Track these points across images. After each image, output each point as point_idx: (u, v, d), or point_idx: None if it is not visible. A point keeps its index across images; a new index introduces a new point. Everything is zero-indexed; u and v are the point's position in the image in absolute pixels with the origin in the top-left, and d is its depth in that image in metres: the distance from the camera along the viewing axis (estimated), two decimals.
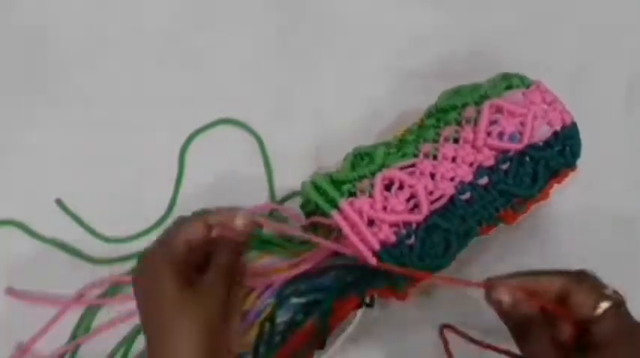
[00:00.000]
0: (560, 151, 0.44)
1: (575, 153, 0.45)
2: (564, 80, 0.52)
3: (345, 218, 0.41)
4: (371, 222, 0.41)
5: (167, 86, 0.52)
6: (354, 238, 0.40)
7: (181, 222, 0.39)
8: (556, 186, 0.46)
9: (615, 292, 0.36)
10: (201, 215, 0.39)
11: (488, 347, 0.43)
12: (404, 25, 0.54)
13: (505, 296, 0.36)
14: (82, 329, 0.46)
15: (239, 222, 0.39)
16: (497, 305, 0.36)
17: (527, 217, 0.49)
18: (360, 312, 0.43)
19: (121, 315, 0.46)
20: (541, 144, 0.44)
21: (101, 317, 0.46)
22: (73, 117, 0.51)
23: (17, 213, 0.48)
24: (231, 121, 0.51)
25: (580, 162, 0.50)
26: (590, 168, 0.50)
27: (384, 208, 0.41)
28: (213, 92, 0.52)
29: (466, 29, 0.54)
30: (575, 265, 0.48)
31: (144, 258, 0.38)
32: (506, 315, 0.36)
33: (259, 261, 0.45)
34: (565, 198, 0.50)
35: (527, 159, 0.43)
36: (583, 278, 0.37)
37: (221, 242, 0.39)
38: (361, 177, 0.42)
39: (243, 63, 0.53)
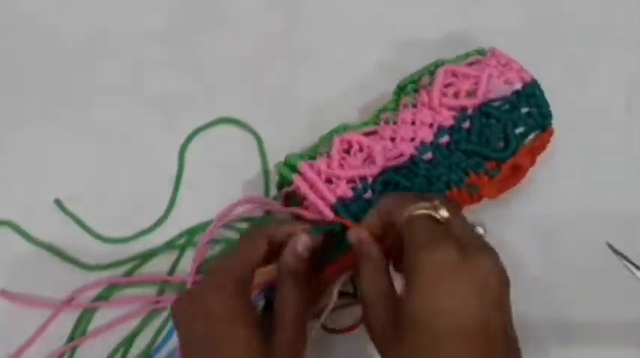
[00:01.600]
0: (528, 113, 0.45)
1: (544, 114, 0.45)
2: (564, 80, 0.52)
3: (305, 179, 0.42)
4: (329, 181, 0.42)
5: (166, 85, 0.52)
6: (311, 195, 0.41)
7: (246, 246, 0.38)
8: (539, 156, 0.46)
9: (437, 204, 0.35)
10: (263, 233, 0.38)
11: None
12: (403, 24, 0.54)
13: (351, 237, 0.38)
14: (80, 331, 0.45)
15: (301, 248, 0.38)
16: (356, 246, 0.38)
17: (527, 217, 0.49)
18: (332, 301, 0.41)
19: (120, 318, 0.45)
20: (505, 104, 0.44)
21: (99, 319, 0.46)
22: (73, 117, 0.51)
23: (15, 213, 0.48)
24: (231, 121, 0.51)
25: (580, 163, 0.50)
26: (590, 169, 0.51)
27: (341, 166, 0.42)
28: (212, 91, 0.52)
29: (466, 28, 0.54)
30: (575, 265, 0.48)
31: (201, 297, 0.36)
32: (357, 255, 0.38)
33: None
34: (565, 198, 0.50)
35: (493, 120, 0.44)
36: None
37: (280, 274, 0.38)
38: (323, 144, 0.44)
39: (243, 62, 0.53)
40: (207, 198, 0.49)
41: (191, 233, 0.48)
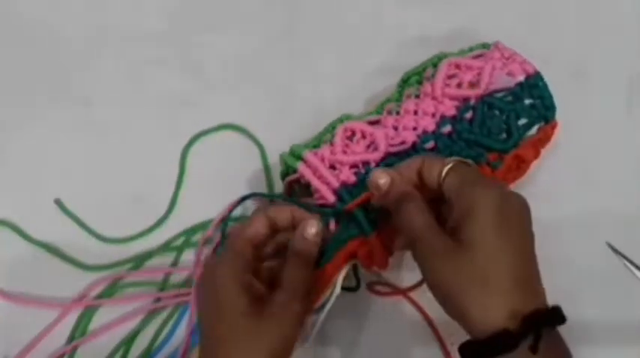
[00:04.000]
0: (532, 104, 0.45)
1: (548, 106, 0.45)
2: (564, 80, 0.52)
3: (308, 165, 0.43)
4: (333, 167, 0.43)
5: (167, 87, 0.52)
6: (315, 181, 0.42)
7: (243, 223, 0.40)
8: (543, 150, 0.46)
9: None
10: (262, 211, 0.40)
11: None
12: (403, 25, 0.54)
13: (381, 178, 0.38)
14: (80, 331, 0.45)
15: (311, 231, 0.38)
16: (377, 189, 0.38)
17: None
18: (335, 293, 0.41)
19: (120, 318, 0.45)
20: (508, 96, 0.45)
21: (99, 319, 0.46)
22: (73, 117, 0.51)
23: (16, 213, 0.48)
24: (233, 126, 0.51)
25: (580, 162, 0.50)
26: (591, 168, 0.51)
27: (344, 152, 0.43)
28: (212, 92, 0.52)
29: (466, 29, 0.54)
30: (575, 265, 0.48)
31: (210, 268, 0.38)
32: (385, 196, 0.38)
33: None
34: (565, 198, 0.50)
35: (496, 111, 0.44)
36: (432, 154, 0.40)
37: (290, 254, 0.38)
38: (326, 133, 0.45)
39: (243, 62, 0.53)
40: (207, 199, 0.49)
41: (189, 233, 0.48)
